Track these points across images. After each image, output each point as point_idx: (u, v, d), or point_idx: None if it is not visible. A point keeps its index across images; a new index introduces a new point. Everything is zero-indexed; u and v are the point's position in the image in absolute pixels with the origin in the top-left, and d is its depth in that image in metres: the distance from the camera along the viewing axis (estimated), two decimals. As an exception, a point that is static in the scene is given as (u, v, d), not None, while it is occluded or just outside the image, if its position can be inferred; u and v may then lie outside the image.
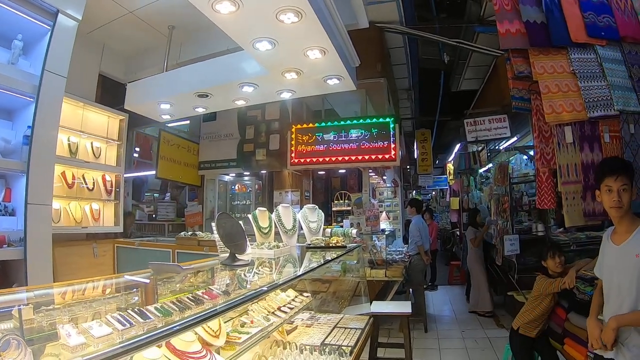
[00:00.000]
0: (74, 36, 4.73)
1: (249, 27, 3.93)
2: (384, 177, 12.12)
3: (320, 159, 8.12)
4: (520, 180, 8.14)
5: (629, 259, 2.44)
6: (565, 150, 3.60)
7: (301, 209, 4.78)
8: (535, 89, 3.87)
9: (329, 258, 3.85)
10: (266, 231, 3.92)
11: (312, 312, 4.40)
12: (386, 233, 8.28)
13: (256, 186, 11.10)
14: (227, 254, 2.91)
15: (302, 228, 4.53)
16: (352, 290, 5.27)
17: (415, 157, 15.03)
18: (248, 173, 10.33)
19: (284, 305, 3.28)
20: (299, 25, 3.79)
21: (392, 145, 7.75)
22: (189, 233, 6.92)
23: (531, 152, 7.00)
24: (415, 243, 7.47)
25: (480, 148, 11.37)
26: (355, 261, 5.34)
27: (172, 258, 6.40)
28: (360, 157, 7.92)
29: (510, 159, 8.65)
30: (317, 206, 4.89)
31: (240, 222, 3.08)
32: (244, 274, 2.83)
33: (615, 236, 2.62)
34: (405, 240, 10.22)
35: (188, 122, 9.89)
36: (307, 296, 3.80)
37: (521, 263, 6.20)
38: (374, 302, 5.13)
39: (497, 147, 10.41)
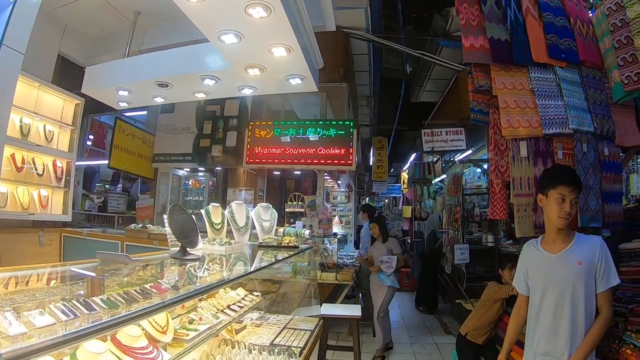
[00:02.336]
0: (37, 12, 4.46)
1: (216, 18, 3.83)
2: (339, 182, 12.20)
3: (277, 161, 8.07)
4: (472, 192, 8.40)
5: (570, 266, 2.43)
6: (519, 163, 3.70)
7: (254, 207, 4.73)
8: (494, 103, 3.96)
9: (281, 257, 3.85)
10: (218, 227, 3.89)
11: (262, 312, 4.36)
12: (338, 237, 8.32)
13: (210, 182, 10.91)
14: (178, 248, 2.83)
15: (254, 226, 4.49)
16: (303, 292, 5.26)
17: (371, 164, 15.17)
18: (203, 169, 10.15)
19: (233, 304, 3.22)
20: (267, 20, 3.73)
21: (350, 150, 7.77)
22: (139, 226, 6.71)
23: (485, 166, 7.21)
24: (366, 248, 7.51)
25: (435, 159, 11.65)
26: (307, 263, 5.34)
27: (121, 250, 6.18)
28: (316, 160, 7.90)
29: (464, 171, 8.87)
30: (270, 205, 4.86)
31: (193, 216, 3.01)
32: (194, 269, 2.78)
33: (549, 245, 2.59)
34: (357, 245, 10.30)
35: (145, 112, 9.64)
36: (257, 295, 3.75)
37: (470, 272, 6.39)
38: (324, 304, 5.12)
39: (451, 159, 10.68)
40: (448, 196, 8.16)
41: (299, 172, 11.54)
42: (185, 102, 7.44)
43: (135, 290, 1.85)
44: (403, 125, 14.50)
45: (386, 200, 23.58)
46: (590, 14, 3.98)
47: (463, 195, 7.57)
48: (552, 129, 3.57)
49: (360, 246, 7.80)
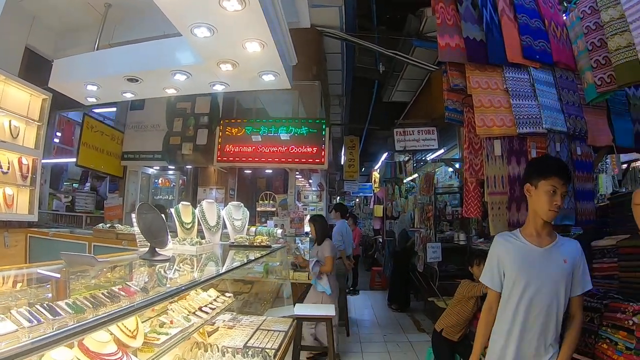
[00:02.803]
0: (4, 2, 4.26)
1: (189, 11, 3.71)
2: (310, 181, 12.17)
3: (248, 159, 7.96)
4: (444, 191, 8.48)
5: (557, 263, 2.37)
6: (493, 162, 3.72)
7: (225, 206, 4.65)
8: (469, 102, 3.97)
9: (253, 257, 3.77)
10: (189, 227, 3.82)
11: (234, 313, 4.28)
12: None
13: (180, 181, 10.72)
14: (147, 248, 2.73)
15: (226, 226, 4.40)
16: (275, 292, 5.20)
17: (342, 163, 15.18)
18: (173, 167, 9.94)
19: (205, 306, 3.13)
20: (242, 14, 3.63)
21: (322, 149, 7.73)
22: (108, 226, 6.51)
23: (457, 165, 7.27)
24: (337, 247, 7.48)
25: (407, 158, 11.74)
26: (279, 263, 5.28)
27: (89, 251, 6.00)
28: (288, 159, 7.83)
29: (436, 170, 8.95)
30: (242, 204, 4.78)
31: (162, 215, 2.91)
32: (164, 271, 2.68)
33: (533, 239, 2.48)
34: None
35: (114, 109, 9.35)
36: (229, 297, 3.66)
37: (442, 270, 6.46)
38: (297, 304, 5.05)
39: (423, 158, 10.77)
40: (420, 195, 8.24)
41: (270, 171, 11.44)
42: (155, 99, 7.28)
43: (102, 294, 1.76)
44: (375, 125, 14.52)
45: (357, 200, 23.66)
46: (565, 17, 4.04)
47: (435, 194, 7.63)
48: (526, 128, 3.60)
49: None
